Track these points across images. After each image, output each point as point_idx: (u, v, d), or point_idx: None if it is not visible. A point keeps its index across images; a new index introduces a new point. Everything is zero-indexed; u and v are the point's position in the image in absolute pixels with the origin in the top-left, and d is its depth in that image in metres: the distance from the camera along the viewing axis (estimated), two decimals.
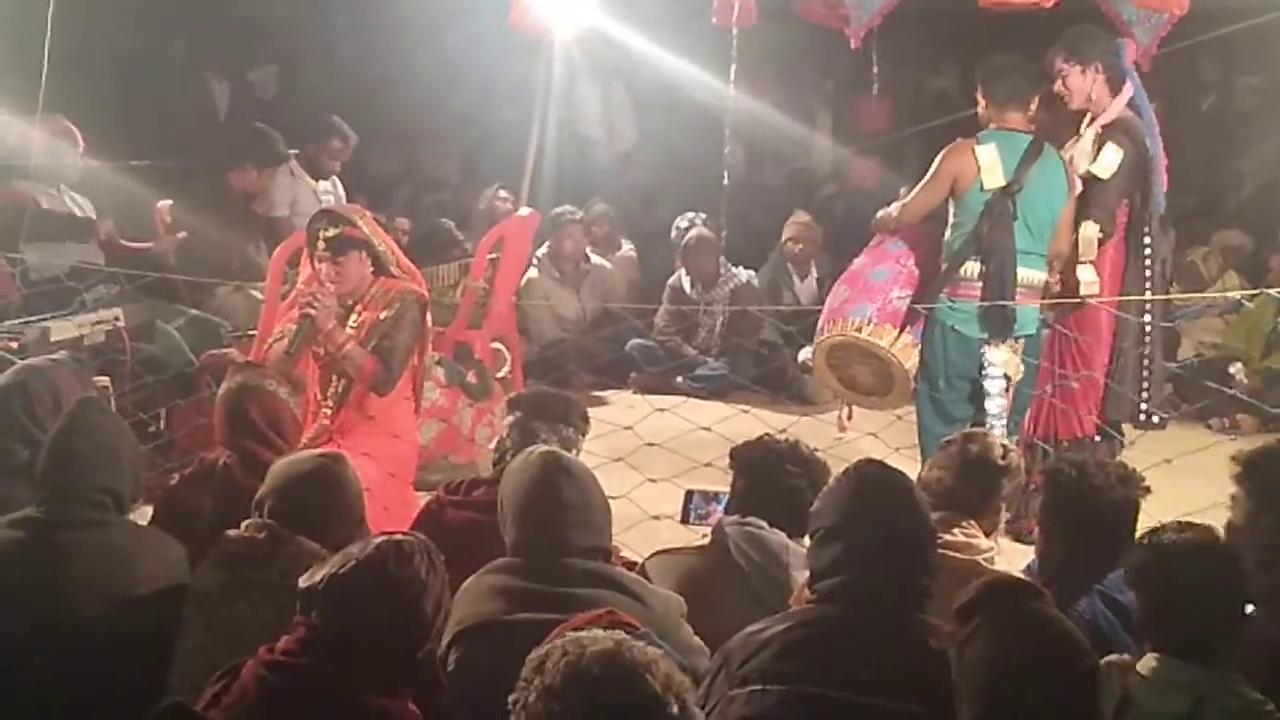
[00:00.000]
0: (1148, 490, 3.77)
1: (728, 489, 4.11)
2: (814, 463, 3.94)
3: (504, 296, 7.30)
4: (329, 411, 5.25)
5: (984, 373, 5.45)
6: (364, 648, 2.86)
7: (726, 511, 4.02)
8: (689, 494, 4.66)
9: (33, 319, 5.94)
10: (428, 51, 10.01)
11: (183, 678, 3.34)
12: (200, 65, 10.40)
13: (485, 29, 8.71)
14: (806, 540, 3.30)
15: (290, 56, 11.38)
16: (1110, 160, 5.55)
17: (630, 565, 3.79)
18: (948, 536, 3.72)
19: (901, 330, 5.46)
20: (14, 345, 5.60)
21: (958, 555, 3.71)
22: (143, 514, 4.18)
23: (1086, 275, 5.51)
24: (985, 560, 3.79)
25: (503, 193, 9.49)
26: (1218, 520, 3.51)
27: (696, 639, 3.39)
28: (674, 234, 9.47)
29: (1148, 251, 5.70)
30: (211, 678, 3.00)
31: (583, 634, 2.42)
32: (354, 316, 5.22)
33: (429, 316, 5.41)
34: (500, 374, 7.12)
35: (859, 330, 5.45)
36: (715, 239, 8.92)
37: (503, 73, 9.65)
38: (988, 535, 3.92)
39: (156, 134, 8.17)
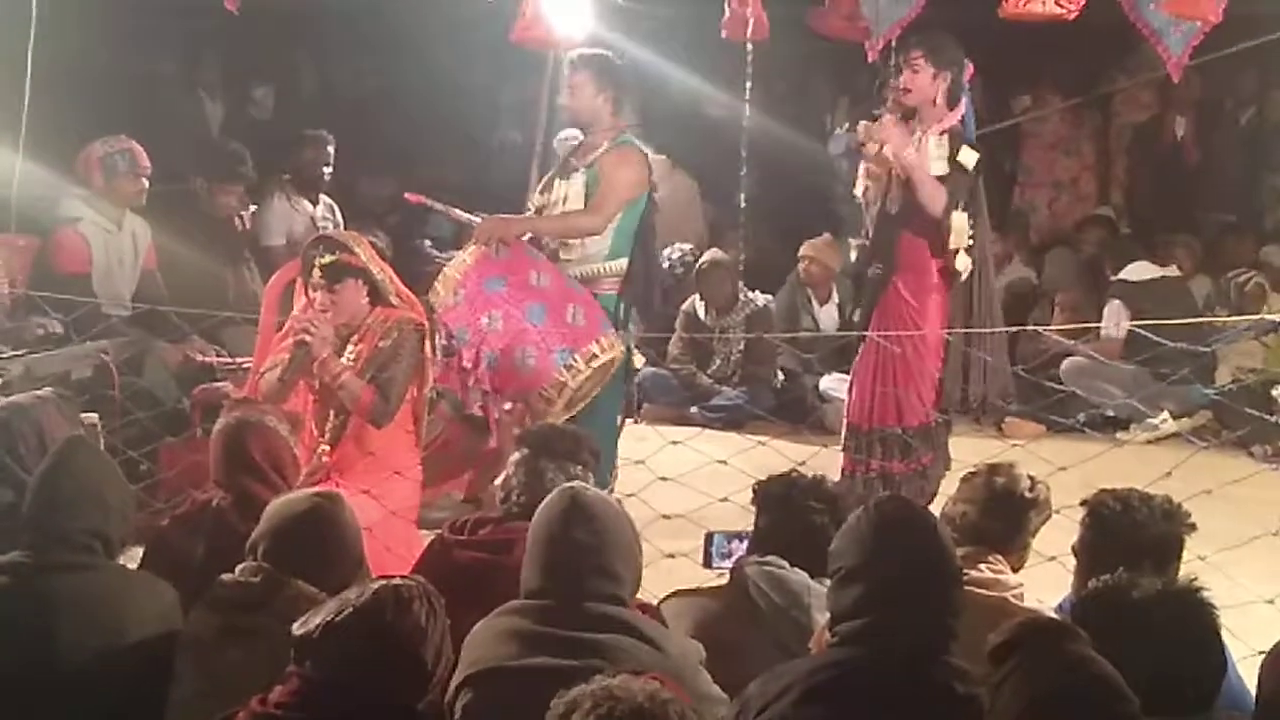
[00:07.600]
0: (1193, 527, 3.77)
1: (748, 527, 4.10)
2: (839, 499, 3.96)
3: None
4: (326, 448, 5.27)
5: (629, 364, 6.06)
6: (360, 700, 2.86)
7: (748, 551, 4.02)
8: (709, 536, 4.58)
9: (16, 353, 5.94)
10: (426, 69, 10.05)
11: None
12: (195, 84, 10.45)
13: (488, 45, 8.70)
14: (829, 580, 3.31)
15: (285, 76, 11.41)
16: (969, 158, 5.90)
17: (646, 608, 3.79)
18: (973, 573, 3.71)
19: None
20: None
21: (984, 593, 3.70)
22: (132, 556, 4.17)
23: (963, 262, 5.91)
24: (1014, 597, 3.80)
25: None
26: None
27: (715, 687, 3.38)
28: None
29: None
30: None
31: (614, 683, 2.44)
32: (350, 348, 5.26)
33: (429, 346, 5.44)
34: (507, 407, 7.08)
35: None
36: (731, 262, 8.83)
37: (506, 92, 9.66)
38: (1015, 571, 3.92)
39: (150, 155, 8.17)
